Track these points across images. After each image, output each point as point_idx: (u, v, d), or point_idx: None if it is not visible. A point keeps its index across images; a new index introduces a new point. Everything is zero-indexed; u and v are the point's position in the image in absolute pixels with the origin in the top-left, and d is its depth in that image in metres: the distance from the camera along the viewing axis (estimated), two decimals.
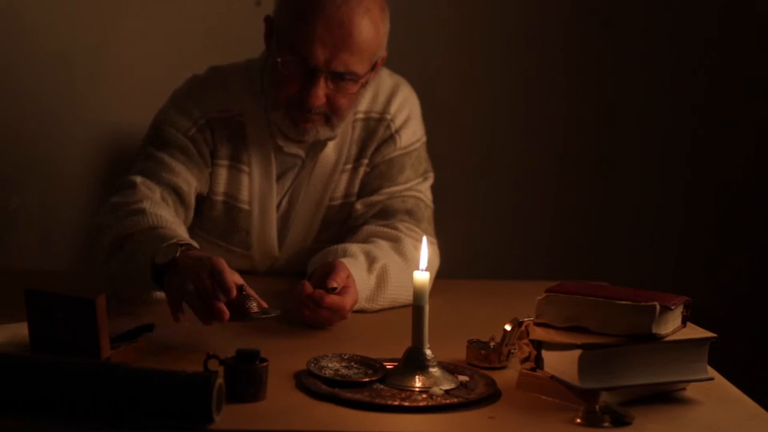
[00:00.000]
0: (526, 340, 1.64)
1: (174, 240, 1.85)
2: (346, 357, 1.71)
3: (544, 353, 1.62)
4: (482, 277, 2.66)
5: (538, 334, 1.63)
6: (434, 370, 1.63)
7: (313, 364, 1.67)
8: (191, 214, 2.16)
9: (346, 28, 2.03)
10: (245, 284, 1.76)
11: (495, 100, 3.12)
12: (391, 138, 2.24)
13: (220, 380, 1.45)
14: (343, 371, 1.66)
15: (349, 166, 2.24)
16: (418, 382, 1.62)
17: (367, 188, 2.25)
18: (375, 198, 2.24)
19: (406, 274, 1.99)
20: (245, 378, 1.55)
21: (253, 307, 1.75)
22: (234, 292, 1.73)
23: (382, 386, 1.62)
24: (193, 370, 1.47)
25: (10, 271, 2.42)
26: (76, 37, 2.88)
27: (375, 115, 2.24)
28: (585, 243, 3.18)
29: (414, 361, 1.64)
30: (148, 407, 1.44)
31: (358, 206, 2.25)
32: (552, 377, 1.60)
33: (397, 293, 2.09)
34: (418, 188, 2.26)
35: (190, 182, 2.14)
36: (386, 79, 2.26)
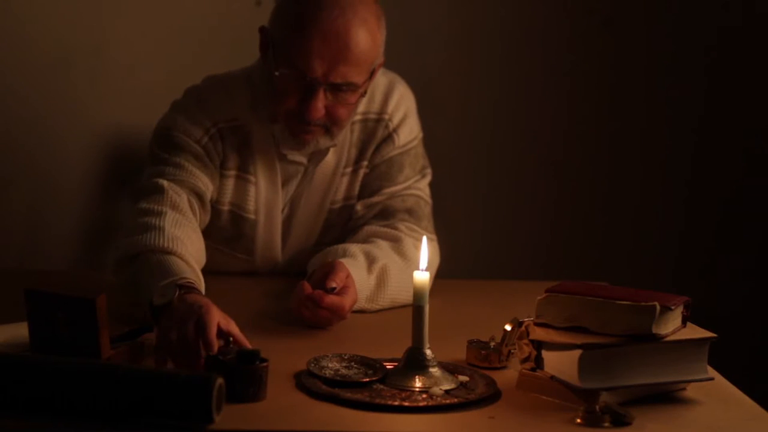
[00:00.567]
0: (526, 340, 1.65)
1: (174, 278, 1.78)
2: (346, 357, 1.71)
3: (544, 353, 1.62)
4: (482, 277, 2.66)
5: (538, 334, 1.63)
6: (434, 370, 1.63)
7: (313, 364, 1.67)
8: (208, 217, 2.14)
9: (343, 41, 2.01)
10: (235, 334, 1.66)
11: (495, 100, 3.12)
12: (389, 137, 2.24)
13: (220, 380, 1.45)
14: (343, 371, 1.66)
15: (349, 169, 2.24)
16: (418, 382, 1.62)
17: (367, 189, 2.25)
18: (375, 199, 2.24)
19: (406, 274, 1.99)
20: (245, 378, 1.55)
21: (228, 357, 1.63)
22: (215, 349, 1.61)
23: (382, 386, 1.62)
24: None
25: (10, 271, 2.42)
26: (76, 38, 2.88)
27: (373, 116, 2.24)
28: (585, 243, 3.18)
29: (414, 361, 1.64)
30: (148, 407, 1.44)
31: (359, 207, 2.24)
32: (552, 377, 1.60)
33: (397, 293, 2.09)
34: (417, 186, 2.26)
35: (208, 186, 2.12)
36: (380, 77, 2.24)
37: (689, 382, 1.65)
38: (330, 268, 1.97)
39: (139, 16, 2.91)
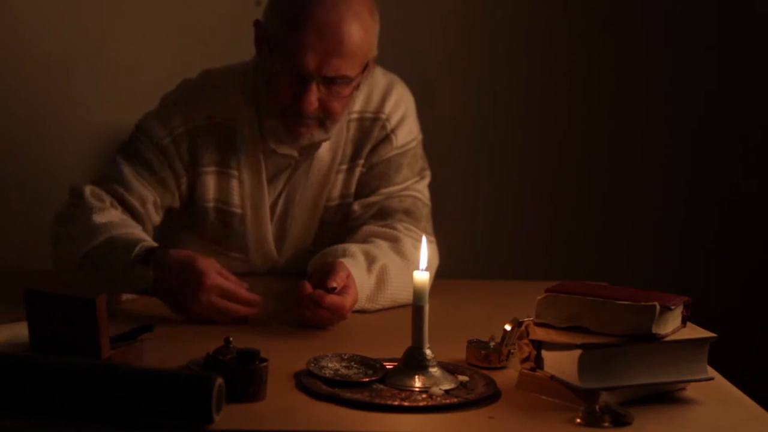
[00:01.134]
0: (526, 340, 1.64)
1: (130, 255, 1.95)
2: (346, 357, 1.71)
3: (544, 353, 1.62)
4: (482, 277, 2.66)
5: (538, 334, 1.63)
6: (434, 370, 1.63)
7: (313, 364, 1.67)
8: (148, 227, 2.16)
9: (336, 35, 2.02)
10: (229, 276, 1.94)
11: (495, 100, 3.12)
12: (387, 138, 2.24)
13: (220, 380, 1.45)
14: (343, 371, 1.66)
15: (344, 167, 2.24)
16: (418, 382, 1.62)
17: (365, 189, 2.25)
18: (372, 199, 2.24)
19: (406, 273, 1.99)
20: (245, 378, 1.55)
21: None
22: (256, 300, 1.94)
23: (382, 386, 1.62)
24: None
25: (10, 271, 2.41)
26: (76, 38, 2.88)
27: (369, 115, 2.24)
28: (585, 243, 3.19)
29: (414, 361, 1.63)
30: (148, 407, 1.44)
31: (356, 207, 2.24)
32: (552, 377, 1.60)
33: (397, 293, 2.09)
34: (415, 187, 2.26)
35: (145, 198, 2.13)
36: (380, 78, 2.25)
37: (689, 382, 1.65)
38: (330, 268, 1.97)
39: (139, 16, 2.91)
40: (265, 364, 1.56)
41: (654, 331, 1.57)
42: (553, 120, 3.15)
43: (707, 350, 1.65)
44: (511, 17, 3.09)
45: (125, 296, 2.02)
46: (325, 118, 2.09)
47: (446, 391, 1.61)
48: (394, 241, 2.16)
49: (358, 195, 2.25)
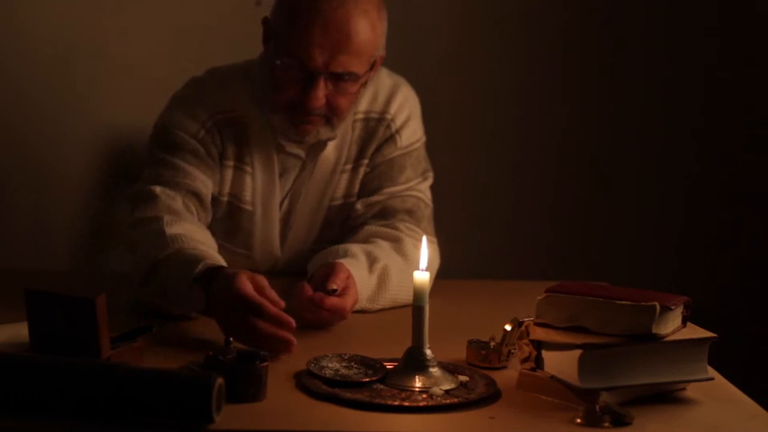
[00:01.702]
0: (526, 340, 1.65)
1: (190, 275, 1.86)
2: (346, 357, 1.71)
3: (544, 353, 1.62)
4: (482, 277, 2.66)
5: (538, 334, 1.63)
6: (434, 370, 1.63)
7: (313, 364, 1.67)
8: (210, 216, 2.16)
9: (343, 31, 2.03)
10: (264, 285, 1.80)
11: (495, 100, 3.12)
12: (391, 138, 2.24)
13: (220, 380, 1.45)
14: (343, 371, 1.66)
15: (348, 167, 2.24)
16: (418, 382, 1.62)
17: (367, 188, 2.25)
18: (375, 198, 2.24)
19: (407, 274, 1.99)
20: (245, 378, 1.55)
21: None
22: (293, 323, 1.75)
23: (382, 386, 1.62)
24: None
25: (10, 271, 2.41)
26: (76, 37, 2.88)
27: (375, 115, 2.24)
28: (585, 243, 3.18)
29: (414, 361, 1.64)
30: (148, 407, 1.44)
31: (358, 206, 2.25)
32: (552, 377, 1.60)
33: (397, 293, 2.09)
34: (418, 188, 2.26)
35: (207, 184, 2.13)
36: (385, 79, 2.26)
37: (689, 382, 1.65)
38: (330, 269, 1.97)
39: (139, 16, 2.91)
40: (265, 364, 1.56)
41: (654, 331, 1.57)
42: (553, 120, 3.15)
43: (707, 350, 1.65)
44: (511, 17, 3.09)
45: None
46: (332, 115, 2.09)
47: (446, 391, 1.61)
48: (396, 242, 2.16)
49: (361, 194, 2.25)
